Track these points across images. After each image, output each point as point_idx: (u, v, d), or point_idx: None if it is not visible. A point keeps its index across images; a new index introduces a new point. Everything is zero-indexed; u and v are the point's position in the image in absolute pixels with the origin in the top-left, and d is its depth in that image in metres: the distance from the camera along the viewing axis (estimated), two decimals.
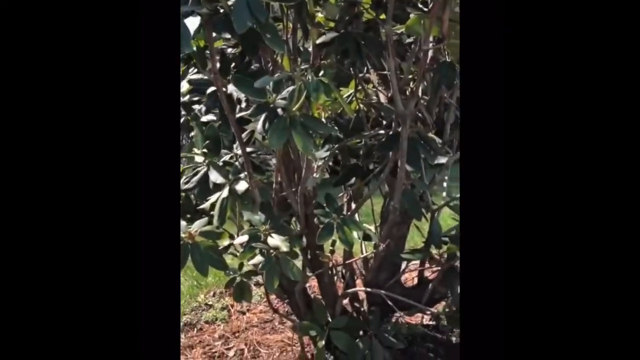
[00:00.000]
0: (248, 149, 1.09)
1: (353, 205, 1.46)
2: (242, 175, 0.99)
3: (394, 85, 0.97)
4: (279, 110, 0.82)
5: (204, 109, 1.05)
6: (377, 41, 1.04)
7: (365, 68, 1.19)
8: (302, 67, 0.83)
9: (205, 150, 1.05)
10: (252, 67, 1.02)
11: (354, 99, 1.30)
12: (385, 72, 1.23)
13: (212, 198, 0.99)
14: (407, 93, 1.05)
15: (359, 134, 1.28)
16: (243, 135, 1.07)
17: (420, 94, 1.07)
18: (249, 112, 0.80)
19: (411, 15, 0.99)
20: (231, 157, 1.12)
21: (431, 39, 0.95)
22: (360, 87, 1.30)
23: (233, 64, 1.06)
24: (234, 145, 1.14)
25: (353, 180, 1.38)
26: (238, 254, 1.03)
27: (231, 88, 1.05)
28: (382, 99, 1.37)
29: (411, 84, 0.99)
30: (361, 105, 1.28)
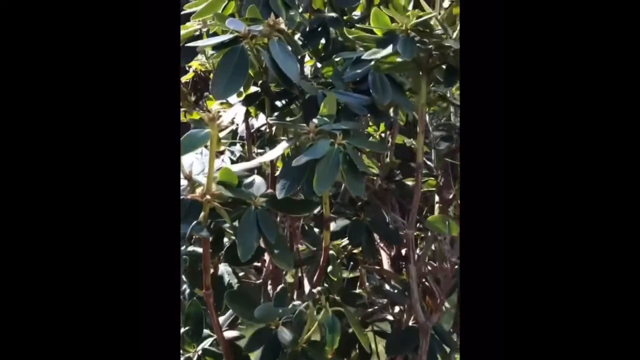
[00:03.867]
0: (229, 334, 0.90)
1: None
2: None
3: (413, 293, 0.82)
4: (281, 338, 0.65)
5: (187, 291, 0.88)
6: (388, 229, 0.91)
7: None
8: (315, 290, 0.67)
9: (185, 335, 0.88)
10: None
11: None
12: None
13: None
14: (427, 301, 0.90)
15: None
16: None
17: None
18: (245, 344, 0.63)
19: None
20: (212, 343, 0.93)
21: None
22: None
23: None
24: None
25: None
26: None
27: (222, 269, 0.90)
28: (385, 259, 1.24)
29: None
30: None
